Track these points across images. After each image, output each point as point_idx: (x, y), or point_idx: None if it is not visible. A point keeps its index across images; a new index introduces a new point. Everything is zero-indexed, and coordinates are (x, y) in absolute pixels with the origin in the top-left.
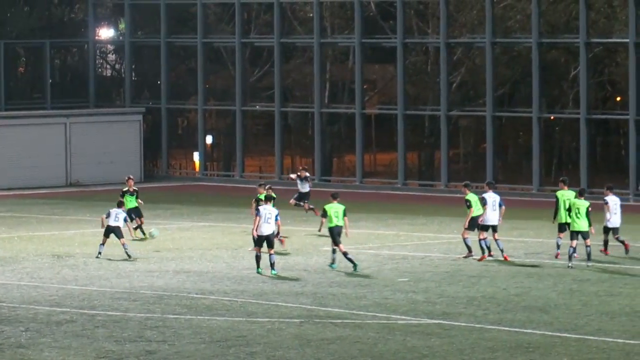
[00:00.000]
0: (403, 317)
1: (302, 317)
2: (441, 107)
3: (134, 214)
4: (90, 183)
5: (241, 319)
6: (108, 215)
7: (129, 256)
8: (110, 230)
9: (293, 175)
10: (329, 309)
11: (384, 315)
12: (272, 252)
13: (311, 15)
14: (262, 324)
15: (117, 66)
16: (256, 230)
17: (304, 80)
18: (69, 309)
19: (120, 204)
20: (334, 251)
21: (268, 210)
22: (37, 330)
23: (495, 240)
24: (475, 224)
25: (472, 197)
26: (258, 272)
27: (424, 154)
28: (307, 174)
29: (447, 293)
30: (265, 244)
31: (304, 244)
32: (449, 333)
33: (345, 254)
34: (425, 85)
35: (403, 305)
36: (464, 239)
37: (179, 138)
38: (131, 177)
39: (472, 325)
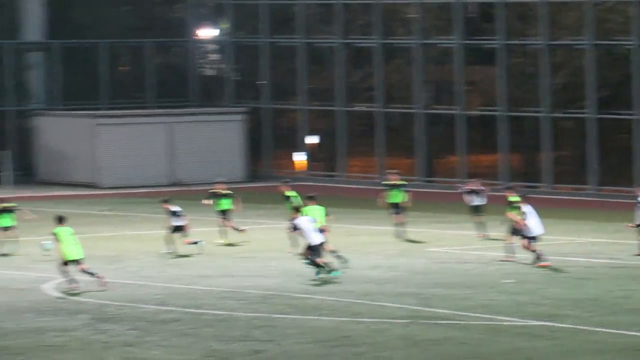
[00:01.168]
0: (508, 319)
1: (408, 318)
2: (543, 109)
3: (224, 216)
4: (193, 182)
5: (347, 319)
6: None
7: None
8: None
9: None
10: (434, 309)
11: (489, 316)
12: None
13: (412, 16)
14: (368, 324)
15: (219, 66)
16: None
17: (405, 81)
18: (175, 308)
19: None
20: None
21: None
22: (144, 329)
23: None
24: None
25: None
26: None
27: (525, 156)
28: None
29: (552, 295)
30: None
31: (409, 245)
32: (555, 335)
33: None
34: (526, 87)
35: (508, 306)
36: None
37: (281, 138)
38: (221, 180)
39: (577, 327)
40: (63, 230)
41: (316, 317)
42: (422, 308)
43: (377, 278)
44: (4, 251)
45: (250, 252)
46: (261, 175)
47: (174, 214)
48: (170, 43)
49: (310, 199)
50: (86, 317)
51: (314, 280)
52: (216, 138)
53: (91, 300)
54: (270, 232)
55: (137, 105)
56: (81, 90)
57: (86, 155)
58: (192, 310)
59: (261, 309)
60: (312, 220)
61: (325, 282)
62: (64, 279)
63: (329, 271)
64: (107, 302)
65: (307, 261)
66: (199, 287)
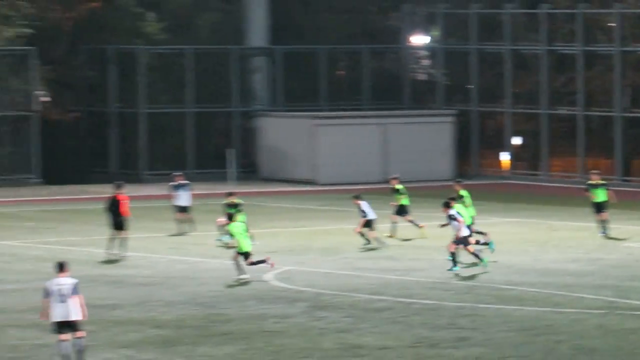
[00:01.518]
0: None
1: (605, 309)
2: None
3: (402, 212)
4: (405, 180)
5: (548, 309)
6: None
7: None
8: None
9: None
10: (631, 301)
11: None
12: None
13: (612, 24)
14: (567, 314)
15: (430, 71)
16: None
17: (605, 86)
18: (387, 297)
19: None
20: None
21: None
22: (358, 317)
23: None
24: None
25: None
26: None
27: None
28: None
29: None
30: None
31: (607, 241)
32: None
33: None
34: None
35: None
36: None
37: (488, 139)
38: (396, 176)
39: None
40: (237, 226)
41: (518, 307)
42: (619, 300)
43: (576, 271)
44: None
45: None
46: (469, 175)
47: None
48: (385, 49)
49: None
50: (304, 305)
51: (517, 272)
52: (427, 139)
53: (309, 289)
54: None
55: (353, 107)
56: (301, 92)
57: (305, 154)
58: (402, 299)
59: (467, 299)
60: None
61: (525, 273)
62: (236, 270)
63: (480, 260)
64: (324, 291)
65: (450, 256)
66: (409, 278)
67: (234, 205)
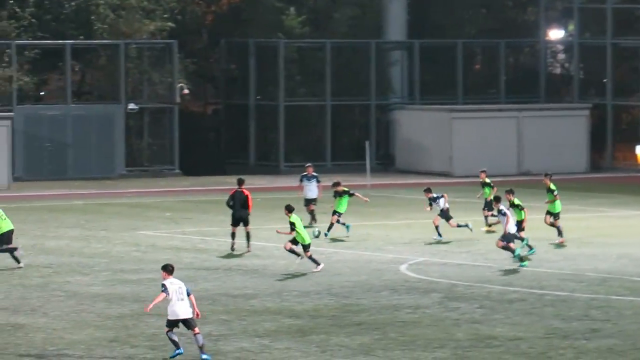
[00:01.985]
0: None
1: None
2: None
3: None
4: (539, 172)
5: None
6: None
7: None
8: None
9: None
10: None
11: None
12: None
13: None
14: None
15: (565, 65)
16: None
17: None
18: (519, 289)
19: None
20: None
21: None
22: (491, 308)
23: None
24: None
25: None
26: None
27: None
28: None
29: None
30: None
31: None
32: None
33: None
34: None
35: None
36: None
37: (622, 132)
38: (484, 170)
39: None
40: (296, 219)
41: None
42: None
43: None
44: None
45: (588, 238)
46: (603, 167)
47: (435, 200)
48: (522, 43)
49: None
50: (438, 295)
51: None
52: (561, 132)
53: (442, 280)
54: (607, 219)
55: (489, 100)
56: (438, 86)
57: (441, 146)
58: (535, 290)
59: (599, 291)
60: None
61: None
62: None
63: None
64: (457, 282)
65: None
66: (542, 270)
67: (343, 193)
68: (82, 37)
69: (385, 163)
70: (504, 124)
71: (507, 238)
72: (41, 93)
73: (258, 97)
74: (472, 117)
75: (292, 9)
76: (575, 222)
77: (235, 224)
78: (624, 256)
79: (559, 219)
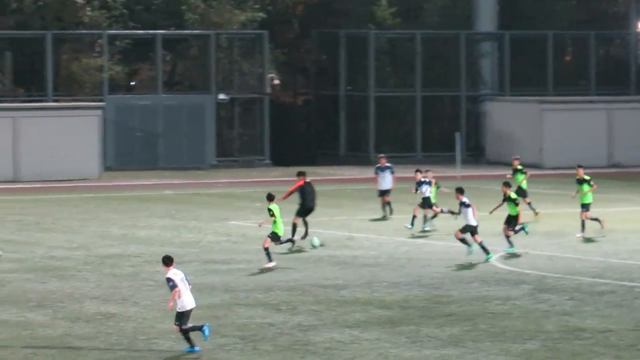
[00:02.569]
0: None
1: None
2: None
3: (521, 193)
4: (630, 165)
5: None
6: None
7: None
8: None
9: None
10: None
11: None
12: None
13: None
14: None
15: None
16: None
17: None
18: (609, 281)
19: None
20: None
21: None
22: (580, 300)
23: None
24: None
25: None
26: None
27: None
28: None
29: None
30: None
31: None
32: None
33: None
34: None
35: None
36: None
37: None
38: (517, 157)
39: None
40: (275, 207)
41: None
42: None
43: None
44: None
45: None
46: None
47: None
48: (612, 35)
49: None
50: (528, 287)
51: None
52: None
53: (532, 271)
54: None
55: (579, 92)
56: (528, 77)
57: (531, 138)
58: (625, 283)
59: None
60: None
61: None
62: (266, 256)
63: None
64: (547, 274)
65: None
66: (633, 262)
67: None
68: (173, 27)
69: (475, 154)
70: (594, 115)
71: (465, 230)
72: (132, 83)
73: (348, 88)
74: (563, 108)
75: (383, 0)
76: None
77: (304, 214)
78: None
79: (588, 210)
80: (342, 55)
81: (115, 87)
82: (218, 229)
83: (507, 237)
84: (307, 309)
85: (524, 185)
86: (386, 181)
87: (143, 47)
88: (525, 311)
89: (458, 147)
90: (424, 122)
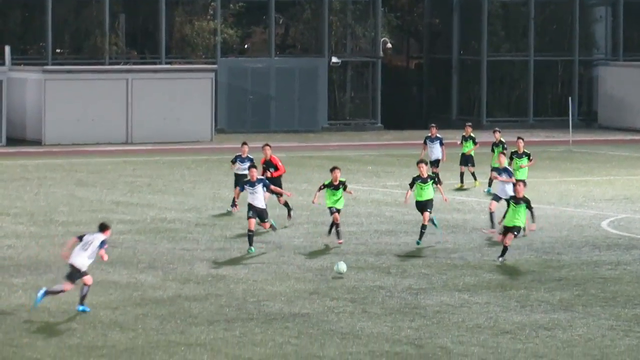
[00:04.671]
0: None
1: None
2: None
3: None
4: None
5: None
6: None
7: None
8: None
9: None
10: None
11: None
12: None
13: None
14: None
15: None
16: None
17: None
18: None
19: None
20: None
21: None
22: None
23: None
24: None
25: None
26: None
27: None
28: None
29: None
30: None
31: None
32: None
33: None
34: None
35: None
36: None
37: None
38: (469, 124)
39: None
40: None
41: None
42: None
43: None
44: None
45: None
46: None
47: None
48: None
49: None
50: (639, 252)
51: None
52: None
53: None
54: None
55: None
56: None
57: None
58: None
59: None
60: None
61: None
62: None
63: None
64: (628, 234)
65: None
66: None
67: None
68: None
69: (588, 119)
70: None
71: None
72: (245, 46)
73: (461, 52)
74: None
75: None
76: None
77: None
78: None
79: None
80: (455, 19)
81: (228, 50)
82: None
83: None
84: (417, 272)
85: (472, 153)
86: (435, 152)
87: (256, 10)
88: (636, 276)
89: (570, 112)
90: (536, 86)
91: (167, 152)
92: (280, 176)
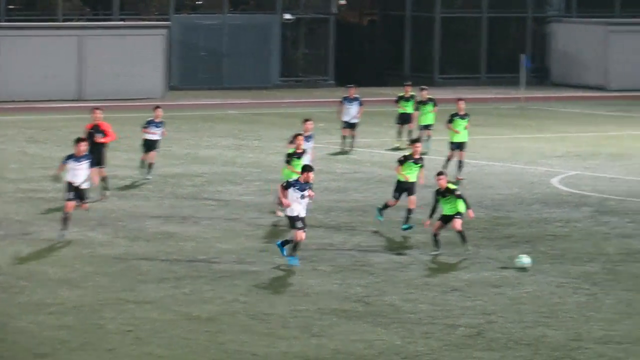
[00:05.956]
0: None
1: None
2: None
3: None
4: None
5: None
6: None
7: None
8: None
9: None
10: None
11: None
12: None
13: None
14: None
15: None
16: None
17: None
18: None
19: None
20: None
21: None
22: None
23: None
24: None
25: None
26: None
27: None
28: None
29: None
30: None
31: None
32: None
33: None
34: None
35: None
36: None
37: None
38: (409, 83)
39: None
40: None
41: None
42: None
43: None
44: None
45: None
46: None
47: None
48: None
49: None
50: (589, 209)
51: None
52: None
53: (594, 194)
54: None
55: None
56: (594, 0)
57: (597, 60)
58: None
59: None
60: None
61: None
62: None
63: None
64: (609, 196)
65: None
66: None
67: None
68: None
69: (540, 76)
70: None
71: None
72: (198, 2)
73: (415, 9)
74: (630, 30)
75: None
76: None
77: None
78: None
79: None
80: None
81: (181, 6)
82: (280, 149)
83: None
84: (366, 230)
85: (410, 110)
86: (351, 113)
87: None
88: (585, 233)
89: (523, 69)
90: (489, 43)
91: (119, 109)
92: (106, 144)
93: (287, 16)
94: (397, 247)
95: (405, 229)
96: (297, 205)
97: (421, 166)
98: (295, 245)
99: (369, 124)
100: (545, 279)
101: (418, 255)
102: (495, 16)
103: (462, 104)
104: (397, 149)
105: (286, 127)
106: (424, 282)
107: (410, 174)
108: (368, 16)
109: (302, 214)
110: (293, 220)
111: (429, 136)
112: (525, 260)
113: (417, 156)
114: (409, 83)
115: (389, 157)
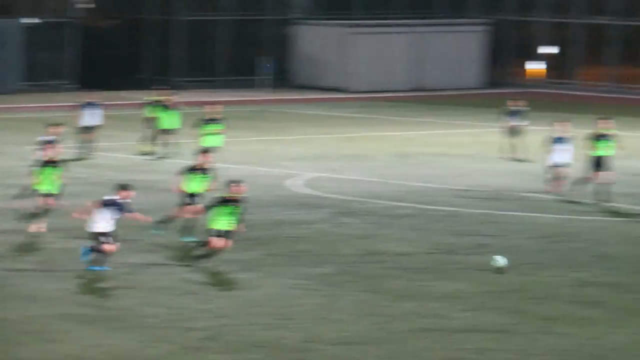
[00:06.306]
0: None
1: (626, 216)
2: None
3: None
4: (437, 88)
5: (569, 217)
6: None
7: None
8: None
9: None
10: None
11: None
12: None
13: None
14: (589, 221)
15: None
16: None
17: None
18: (410, 204)
19: None
20: None
21: None
22: (380, 223)
23: None
24: None
25: None
26: None
27: None
28: None
29: None
30: None
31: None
32: None
33: None
34: None
35: None
36: None
37: (520, 48)
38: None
39: None
40: None
41: (540, 215)
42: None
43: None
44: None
45: (483, 154)
46: (500, 82)
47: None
48: None
49: None
50: (327, 211)
51: (538, 180)
52: (458, 48)
53: (334, 195)
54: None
55: (386, 16)
56: (336, 1)
57: (338, 62)
58: (425, 206)
59: (489, 206)
60: None
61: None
62: None
63: None
64: (350, 197)
65: None
66: (434, 186)
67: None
68: None
69: (282, 78)
70: (401, 39)
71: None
72: None
73: (155, 12)
74: (370, 32)
75: None
76: (473, 138)
77: None
78: (515, 172)
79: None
80: None
81: None
82: (23, 154)
83: None
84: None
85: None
86: (94, 118)
87: None
88: (322, 235)
89: (264, 72)
90: (230, 46)
91: None
92: None
93: (28, 20)
94: (137, 251)
95: (156, 234)
96: (104, 222)
97: (210, 177)
98: (105, 255)
99: (107, 128)
100: (281, 281)
101: (153, 258)
102: (236, 19)
103: (212, 108)
104: (146, 153)
105: (25, 132)
106: (159, 286)
107: (196, 185)
108: (111, 19)
109: (108, 229)
110: (98, 236)
111: (172, 141)
112: (501, 261)
113: (204, 167)
114: (164, 87)
115: (129, 161)
